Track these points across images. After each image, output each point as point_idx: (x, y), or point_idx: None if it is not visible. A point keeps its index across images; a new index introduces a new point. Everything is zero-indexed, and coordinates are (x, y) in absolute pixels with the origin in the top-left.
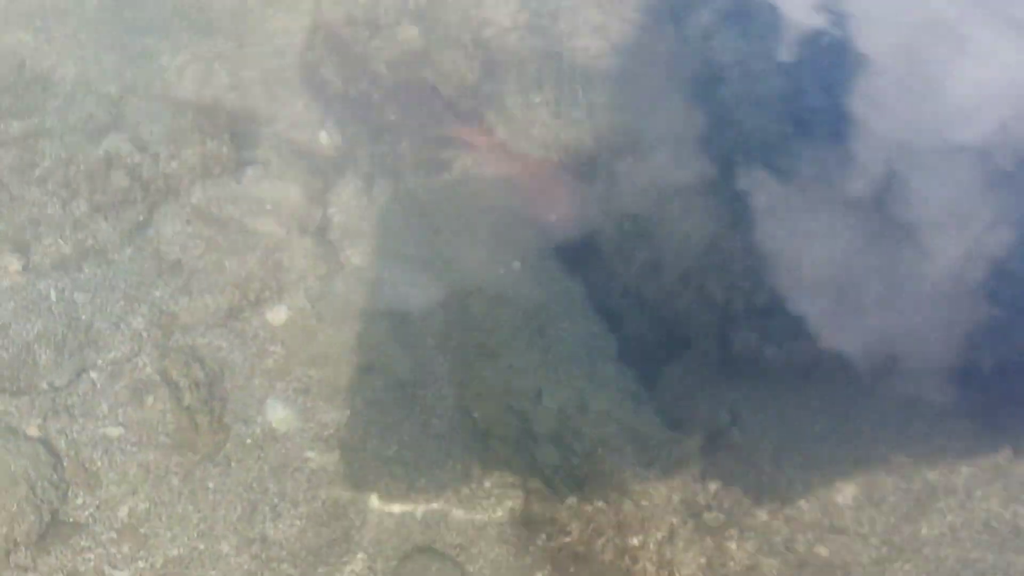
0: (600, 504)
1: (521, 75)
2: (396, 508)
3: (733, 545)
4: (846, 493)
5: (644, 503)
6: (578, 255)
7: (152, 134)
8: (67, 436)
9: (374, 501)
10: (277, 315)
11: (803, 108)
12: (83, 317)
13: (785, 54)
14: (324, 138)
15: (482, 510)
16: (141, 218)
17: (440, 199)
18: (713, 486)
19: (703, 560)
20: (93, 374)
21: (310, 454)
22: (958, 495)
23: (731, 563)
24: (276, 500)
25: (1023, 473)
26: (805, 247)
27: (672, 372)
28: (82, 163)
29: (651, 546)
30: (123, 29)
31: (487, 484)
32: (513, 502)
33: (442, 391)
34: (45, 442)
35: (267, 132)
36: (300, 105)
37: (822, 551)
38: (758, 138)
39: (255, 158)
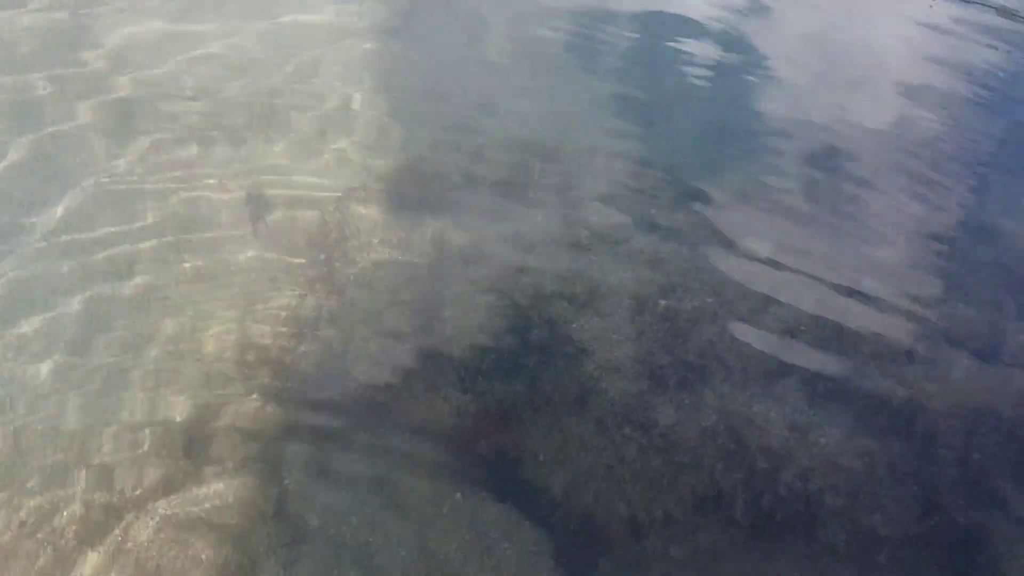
0: None
1: None
2: None
3: None
4: None
5: None
6: (504, 482)
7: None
8: None
9: None
10: None
11: None
12: None
13: None
14: (269, 413)
15: None
16: (119, 538)
17: (380, 461)
18: None
19: None
20: None
21: None
22: None
23: None
24: None
25: None
26: None
27: (603, 567)
28: (64, 508)
29: None
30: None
31: None
32: None
33: None
34: None
35: (214, 429)
36: (239, 402)
37: None
38: None
39: (209, 458)
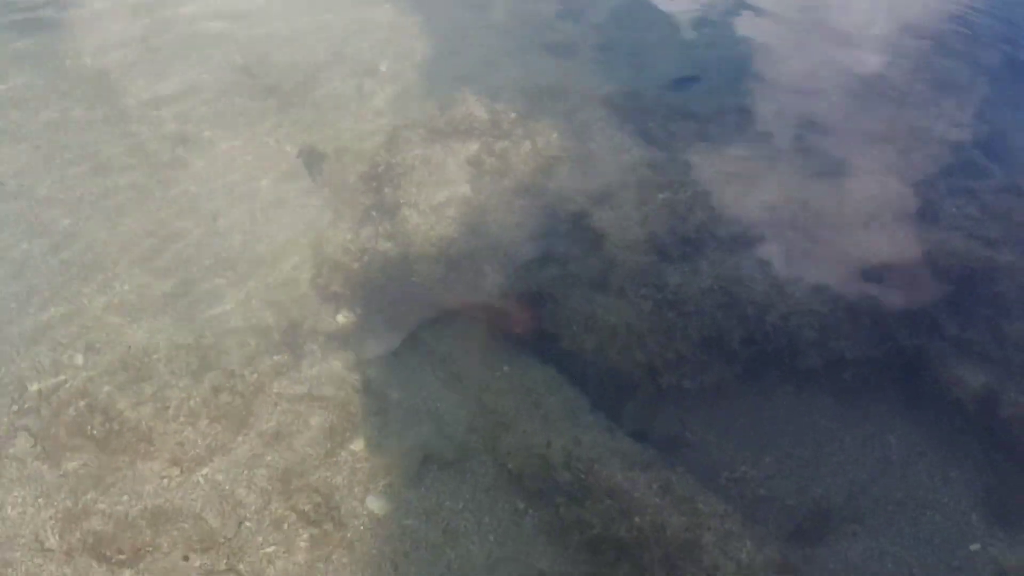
0: (608, 501)
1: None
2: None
3: (701, 505)
4: (764, 460)
5: (636, 494)
6: (545, 351)
7: (233, 359)
8: (244, 562)
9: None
10: (356, 444)
11: None
12: (226, 488)
13: None
14: (340, 319)
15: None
16: (247, 416)
17: (441, 344)
18: (680, 470)
19: (684, 519)
20: (248, 523)
21: (407, 522)
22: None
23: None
24: None
25: None
26: None
27: (629, 410)
28: (197, 396)
29: (648, 519)
30: (189, 302)
31: (530, 511)
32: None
33: (481, 460)
34: (232, 569)
35: (303, 331)
36: (319, 308)
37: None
38: None
39: (303, 351)
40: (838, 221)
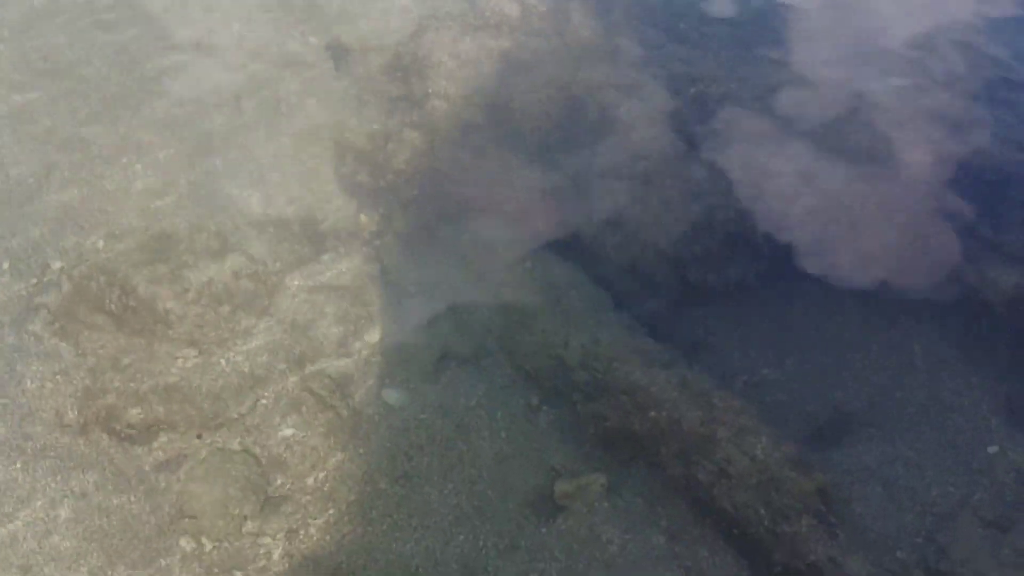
0: (624, 397)
1: None
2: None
3: (716, 400)
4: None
5: (653, 389)
6: (568, 247)
7: (254, 248)
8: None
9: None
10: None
11: None
12: (244, 370)
13: None
14: (363, 219)
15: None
16: (266, 303)
17: (463, 238)
18: (697, 368)
19: (699, 414)
20: (263, 400)
21: (422, 415)
22: None
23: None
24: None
25: None
26: None
27: (652, 308)
28: (217, 278)
29: (663, 413)
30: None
31: (544, 407)
32: (566, 412)
33: (498, 359)
34: (247, 451)
35: (324, 226)
36: (341, 202)
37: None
38: None
39: (324, 247)
40: (871, 120)
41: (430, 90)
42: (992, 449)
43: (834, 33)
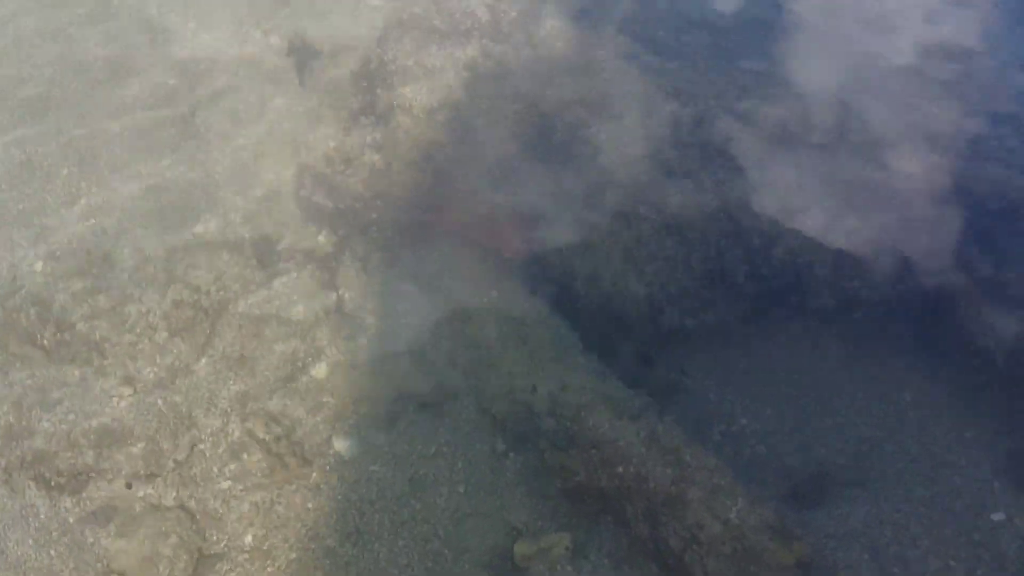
0: (592, 450)
1: None
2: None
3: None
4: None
5: (620, 443)
6: (536, 279)
7: (199, 275)
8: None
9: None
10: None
11: None
12: (183, 411)
13: None
14: (320, 240)
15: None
16: (208, 332)
17: (428, 261)
18: (669, 420)
19: (669, 471)
20: (201, 446)
21: (373, 468)
22: None
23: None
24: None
25: None
26: None
27: (624, 351)
28: (157, 308)
29: (631, 469)
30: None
31: (511, 455)
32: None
33: (462, 401)
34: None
35: (279, 247)
36: (297, 224)
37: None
38: None
39: (278, 270)
40: (864, 141)
41: (395, 103)
42: (997, 516)
43: (824, 44)
